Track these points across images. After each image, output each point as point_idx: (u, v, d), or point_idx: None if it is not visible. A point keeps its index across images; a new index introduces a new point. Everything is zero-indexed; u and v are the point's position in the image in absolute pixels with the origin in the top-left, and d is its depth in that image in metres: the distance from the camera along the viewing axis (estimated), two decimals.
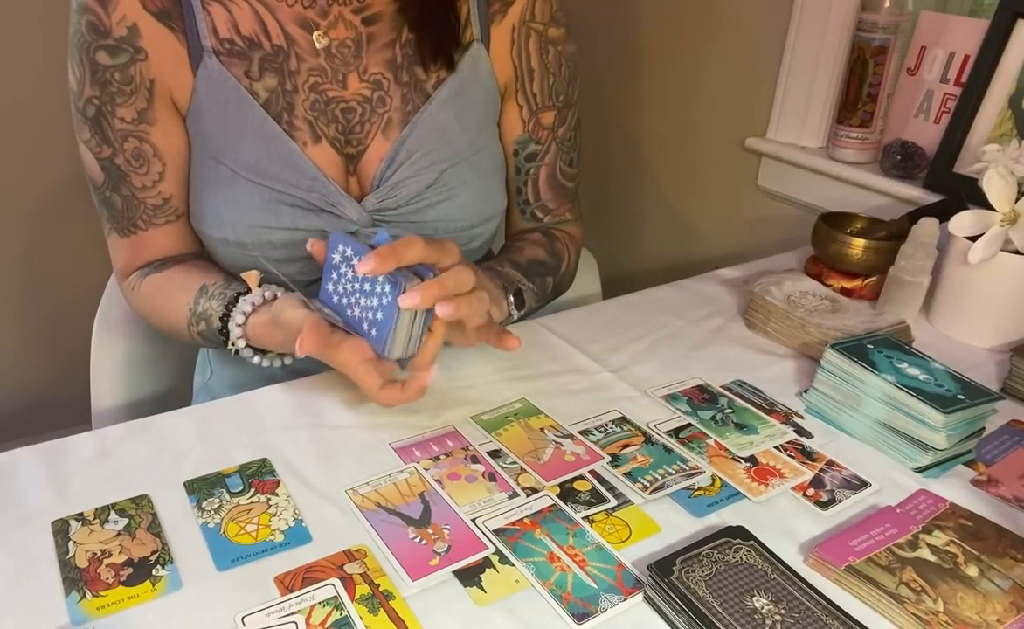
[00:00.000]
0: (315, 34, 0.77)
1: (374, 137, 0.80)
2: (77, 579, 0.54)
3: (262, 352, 0.76)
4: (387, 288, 0.64)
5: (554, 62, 0.87)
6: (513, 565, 0.56)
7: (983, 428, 0.72)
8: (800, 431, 0.73)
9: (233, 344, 0.74)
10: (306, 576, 0.55)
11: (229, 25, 0.75)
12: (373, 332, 0.66)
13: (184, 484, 0.63)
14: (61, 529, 0.58)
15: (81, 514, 0.59)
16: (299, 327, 0.65)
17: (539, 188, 0.92)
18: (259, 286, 0.75)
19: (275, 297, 0.74)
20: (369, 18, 0.78)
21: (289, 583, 0.54)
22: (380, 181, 0.80)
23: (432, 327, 0.66)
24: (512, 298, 0.80)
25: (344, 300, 0.68)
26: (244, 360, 0.76)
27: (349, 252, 0.66)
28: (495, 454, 0.68)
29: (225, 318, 0.75)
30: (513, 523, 0.60)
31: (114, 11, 0.72)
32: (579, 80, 0.91)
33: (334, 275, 0.68)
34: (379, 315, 0.65)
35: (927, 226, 0.91)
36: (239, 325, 0.74)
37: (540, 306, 0.90)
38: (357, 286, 0.66)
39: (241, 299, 0.74)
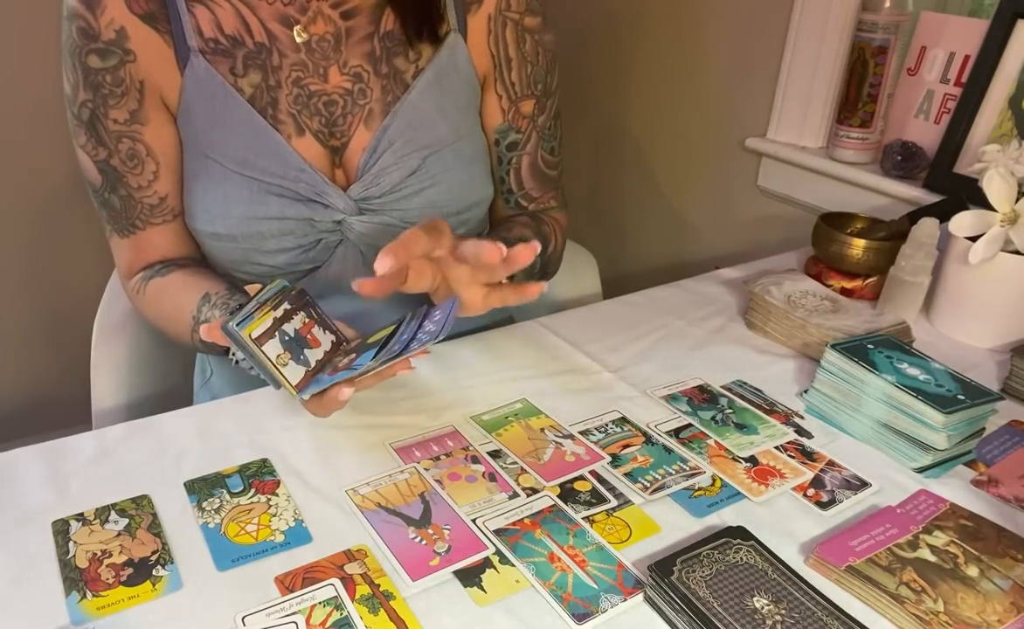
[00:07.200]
0: (295, 29, 0.78)
1: (356, 128, 0.81)
2: (77, 579, 0.54)
3: None
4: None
5: (531, 51, 0.88)
6: (513, 565, 0.56)
7: (983, 428, 0.72)
8: (800, 431, 0.73)
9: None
10: (306, 576, 0.55)
11: (213, 25, 0.77)
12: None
13: (184, 484, 0.63)
14: (61, 529, 0.58)
15: (81, 514, 0.59)
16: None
17: (522, 177, 0.93)
18: None
19: None
20: (347, 12, 0.80)
21: (289, 583, 0.54)
22: (363, 170, 0.81)
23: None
24: None
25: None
26: None
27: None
28: (495, 454, 0.68)
29: None
30: (513, 523, 0.60)
31: (102, 15, 0.74)
32: (557, 69, 0.92)
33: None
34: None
35: (927, 226, 0.91)
36: None
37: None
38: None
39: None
